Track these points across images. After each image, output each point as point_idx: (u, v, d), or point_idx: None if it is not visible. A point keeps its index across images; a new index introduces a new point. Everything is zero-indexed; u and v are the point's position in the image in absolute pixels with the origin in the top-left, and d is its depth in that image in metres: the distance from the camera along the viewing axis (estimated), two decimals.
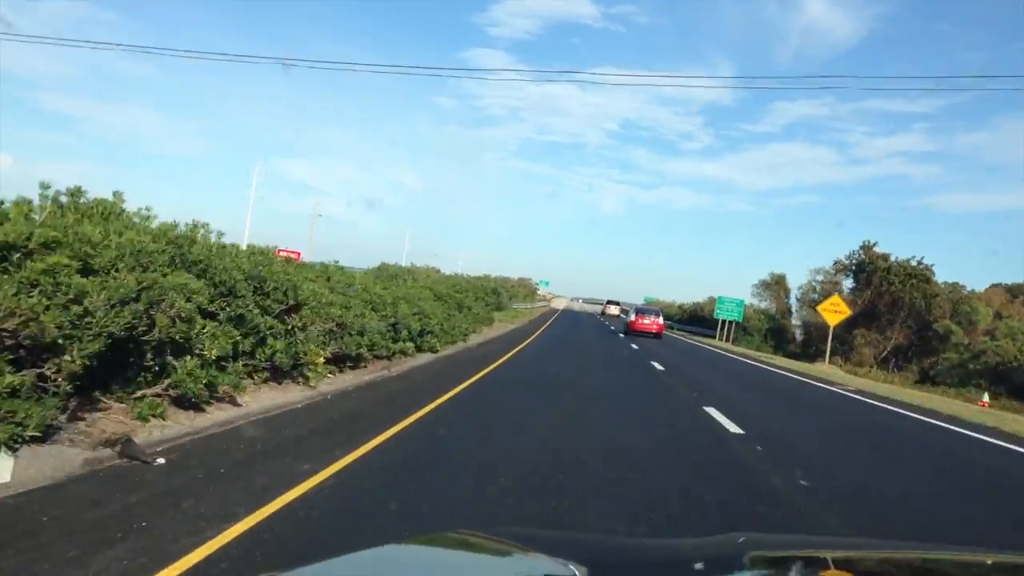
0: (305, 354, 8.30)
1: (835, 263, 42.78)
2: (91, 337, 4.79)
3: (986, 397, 23.08)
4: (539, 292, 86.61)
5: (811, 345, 47.85)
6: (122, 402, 5.67)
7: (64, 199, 6.83)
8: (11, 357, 4.37)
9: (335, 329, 9.33)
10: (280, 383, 8.24)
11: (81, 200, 6.98)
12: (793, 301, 59.84)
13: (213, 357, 6.21)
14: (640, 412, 10.75)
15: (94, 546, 3.50)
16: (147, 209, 7.54)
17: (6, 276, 4.47)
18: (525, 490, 5.32)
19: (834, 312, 30.54)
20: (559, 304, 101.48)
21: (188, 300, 5.84)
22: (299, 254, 26.68)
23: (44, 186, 6.44)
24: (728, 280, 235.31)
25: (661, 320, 37.67)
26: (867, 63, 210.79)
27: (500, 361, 15.25)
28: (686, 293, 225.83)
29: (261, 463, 5.25)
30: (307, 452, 5.68)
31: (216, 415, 6.43)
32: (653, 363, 19.64)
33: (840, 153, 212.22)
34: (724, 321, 49.89)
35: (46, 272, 4.61)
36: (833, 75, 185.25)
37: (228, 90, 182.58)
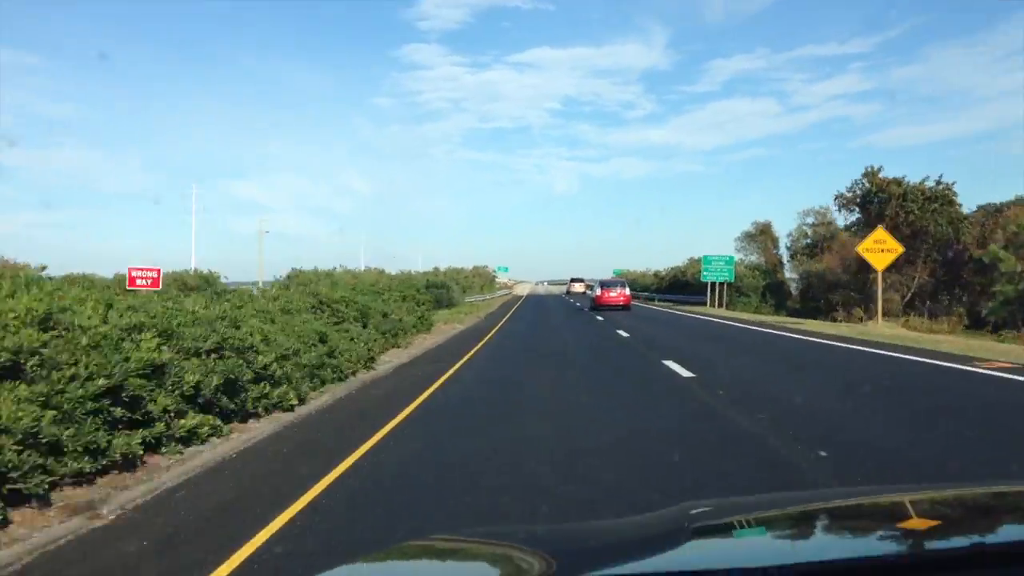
0: None
1: (836, 197, 36.26)
2: None
3: None
4: (498, 280, 79.08)
5: (814, 299, 41.54)
6: None
7: None
8: None
9: None
10: None
11: None
12: (783, 251, 53.79)
13: None
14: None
15: None
16: None
17: None
18: None
19: (881, 251, 23.23)
20: (522, 290, 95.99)
21: None
22: (158, 272, 19.68)
23: None
24: (704, 239, 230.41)
25: (627, 291, 38.01)
26: (796, 9, 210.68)
27: (410, 408, 8.56)
28: (660, 260, 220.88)
29: None
30: None
31: None
32: (670, 362, 13.07)
33: (781, 103, 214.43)
34: (714, 284, 43.60)
35: None
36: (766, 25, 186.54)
37: (162, 117, 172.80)
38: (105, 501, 4.84)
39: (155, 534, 4.36)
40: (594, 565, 1.29)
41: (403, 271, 46.46)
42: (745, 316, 34.31)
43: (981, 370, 11.72)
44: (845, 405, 8.90)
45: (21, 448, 4.32)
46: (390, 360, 13.83)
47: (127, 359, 5.28)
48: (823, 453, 6.08)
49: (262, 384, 7.66)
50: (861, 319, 33.24)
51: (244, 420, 7.44)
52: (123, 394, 5.26)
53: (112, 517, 4.63)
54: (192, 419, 6.16)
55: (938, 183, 33.06)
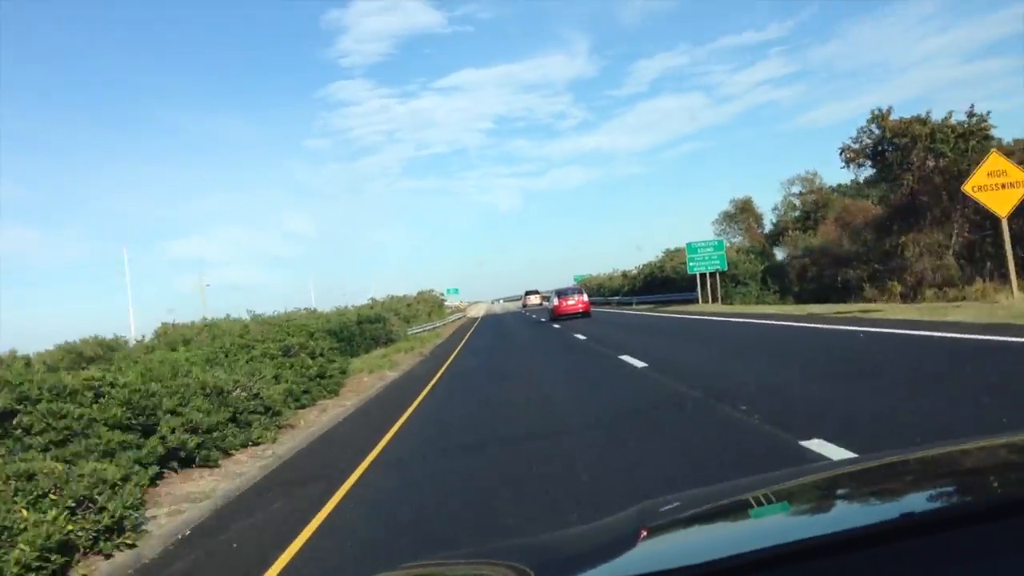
0: None
1: (841, 151, 29.11)
2: None
3: None
4: (448, 304, 70.42)
5: (817, 279, 34.47)
6: None
7: None
8: None
9: None
10: None
11: None
12: (770, 228, 47.20)
13: None
14: None
15: None
16: None
17: None
18: None
19: (1001, 187, 15.50)
20: (476, 311, 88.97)
21: None
22: None
23: None
24: (677, 230, 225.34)
25: (585, 298, 37.45)
26: (711, 2, 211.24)
27: None
28: (627, 260, 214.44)
29: None
30: None
31: None
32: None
33: (708, 95, 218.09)
34: (704, 276, 36.57)
35: None
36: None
37: (93, 186, 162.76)
38: None
39: None
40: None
41: (338, 307, 38.63)
42: (770, 310, 27.08)
43: None
44: None
45: None
46: (177, 511, 6.26)
47: None
48: None
49: None
50: (905, 296, 26.41)
51: None
52: None
53: None
54: None
55: (971, 115, 26.41)
